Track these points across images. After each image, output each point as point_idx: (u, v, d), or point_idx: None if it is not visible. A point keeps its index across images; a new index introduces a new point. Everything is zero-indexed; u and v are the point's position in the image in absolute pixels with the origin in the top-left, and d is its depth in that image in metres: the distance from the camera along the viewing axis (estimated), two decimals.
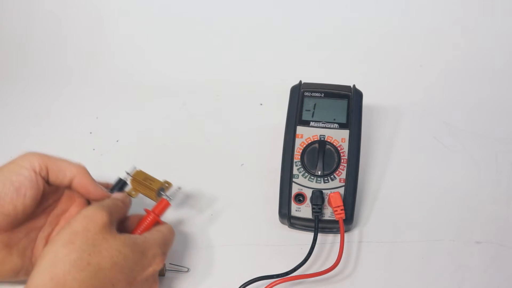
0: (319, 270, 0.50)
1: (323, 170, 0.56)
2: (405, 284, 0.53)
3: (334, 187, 0.56)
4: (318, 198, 0.54)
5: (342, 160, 0.57)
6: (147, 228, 0.50)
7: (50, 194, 0.49)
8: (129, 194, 0.54)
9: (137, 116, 0.76)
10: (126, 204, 0.51)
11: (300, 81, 0.63)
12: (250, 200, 0.61)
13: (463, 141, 0.68)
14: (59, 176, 0.47)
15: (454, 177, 0.63)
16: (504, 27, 0.81)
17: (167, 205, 0.52)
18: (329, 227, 0.56)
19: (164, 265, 0.52)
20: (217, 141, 0.70)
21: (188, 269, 0.54)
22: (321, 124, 0.59)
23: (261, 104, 0.76)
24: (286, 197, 0.56)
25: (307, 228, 0.57)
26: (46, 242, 0.49)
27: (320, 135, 0.58)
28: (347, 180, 0.56)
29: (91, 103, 0.79)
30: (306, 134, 0.58)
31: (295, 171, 0.57)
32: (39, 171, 0.46)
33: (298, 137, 0.59)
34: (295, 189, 0.56)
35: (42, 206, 0.49)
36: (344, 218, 0.53)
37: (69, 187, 0.49)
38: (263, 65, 0.83)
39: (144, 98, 0.79)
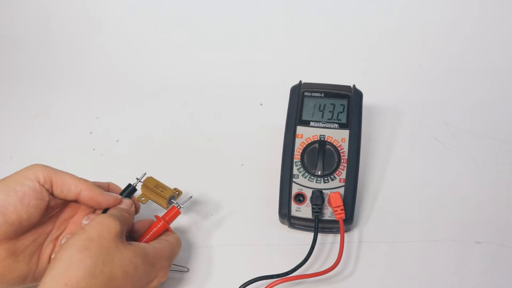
0: (319, 270, 0.50)
1: (323, 170, 0.56)
2: (405, 284, 0.53)
3: (334, 187, 0.56)
4: (318, 198, 0.54)
5: (342, 160, 0.57)
6: (156, 235, 0.50)
7: (57, 205, 0.49)
8: (139, 200, 0.54)
9: (137, 116, 0.76)
10: (131, 214, 0.51)
11: (300, 81, 0.63)
12: (250, 200, 0.61)
13: (463, 141, 0.68)
14: (64, 190, 0.47)
15: (454, 177, 0.63)
16: (504, 27, 0.81)
17: (177, 213, 0.52)
18: (329, 227, 0.56)
19: None
20: (217, 141, 0.70)
21: (188, 269, 0.54)
22: (321, 124, 0.59)
23: (261, 104, 0.76)
24: (286, 197, 0.56)
25: (307, 228, 0.57)
26: (54, 246, 0.49)
27: (320, 135, 0.58)
28: (347, 180, 0.56)
29: (91, 103, 0.79)
30: (306, 134, 0.58)
31: (295, 171, 0.57)
32: (43, 183, 0.46)
33: (298, 137, 0.59)
34: (295, 189, 0.56)
35: (49, 214, 0.49)
36: (344, 218, 0.53)
37: (75, 200, 0.49)
38: (263, 65, 0.83)
39: (144, 98, 0.79)
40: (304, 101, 0.61)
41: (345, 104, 0.60)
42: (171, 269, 0.53)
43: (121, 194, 0.52)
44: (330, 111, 0.60)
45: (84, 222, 0.47)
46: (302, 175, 0.57)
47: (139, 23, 0.89)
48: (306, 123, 0.59)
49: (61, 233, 0.50)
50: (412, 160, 0.66)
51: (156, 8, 0.89)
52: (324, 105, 0.60)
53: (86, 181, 0.48)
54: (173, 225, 0.53)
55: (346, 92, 0.60)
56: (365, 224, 0.58)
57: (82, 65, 0.86)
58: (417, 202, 0.61)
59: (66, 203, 0.51)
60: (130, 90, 0.81)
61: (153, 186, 0.54)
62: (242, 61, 0.83)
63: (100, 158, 0.69)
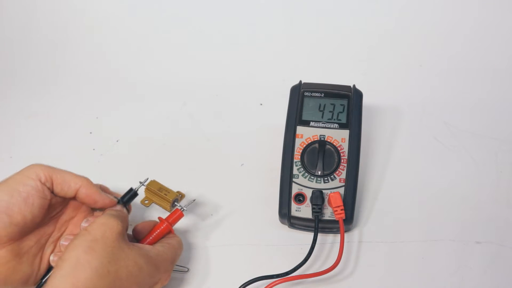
0: (319, 270, 0.50)
1: (323, 170, 0.56)
2: (405, 284, 0.53)
3: (334, 187, 0.56)
4: (318, 198, 0.54)
5: (342, 160, 0.57)
6: (159, 237, 0.51)
7: (58, 203, 0.50)
8: (142, 204, 0.54)
9: (137, 116, 0.76)
10: (126, 215, 0.51)
11: (300, 81, 0.63)
12: (250, 200, 0.61)
13: (463, 141, 0.68)
14: (64, 187, 0.47)
15: (454, 177, 0.63)
16: (504, 27, 0.81)
17: (181, 215, 0.52)
18: (329, 227, 0.56)
19: None
20: (217, 141, 0.70)
21: (188, 269, 0.54)
22: (321, 124, 0.59)
23: (261, 104, 0.76)
24: (286, 197, 0.56)
25: (307, 228, 0.57)
26: (54, 247, 0.49)
27: (320, 135, 0.58)
28: (347, 180, 0.56)
29: (91, 103, 0.79)
30: (306, 134, 0.58)
31: (295, 171, 0.57)
32: (44, 181, 0.46)
33: (298, 137, 0.59)
34: (295, 189, 0.56)
35: (50, 214, 0.49)
36: (344, 218, 0.53)
37: (74, 198, 0.49)
38: (263, 65, 0.83)
39: (144, 98, 0.79)
40: (304, 101, 0.61)
41: (345, 104, 0.60)
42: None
43: (122, 198, 0.52)
44: (330, 111, 0.60)
45: (84, 224, 0.48)
46: (302, 175, 0.57)
47: (139, 23, 0.89)
48: (306, 123, 0.59)
49: (61, 234, 0.50)
50: (412, 160, 0.66)
51: (156, 8, 0.89)
52: (324, 105, 0.60)
53: (85, 178, 0.49)
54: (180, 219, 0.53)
55: (346, 92, 0.60)
56: (365, 224, 0.58)
57: (82, 65, 0.86)
58: (417, 202, 0.61)
59: (66, 203, 0.51)
60: (130, 90, 0.81)
61: (156, 190, 0.54)
62: (242, 61, 0.83)
63: (100, 158, 0.69)
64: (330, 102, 0.60)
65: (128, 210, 0.53)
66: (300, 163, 0.57)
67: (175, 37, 0.87)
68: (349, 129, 0.58)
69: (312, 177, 0.56)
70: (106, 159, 0.69)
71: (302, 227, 0.57)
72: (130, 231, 0.52)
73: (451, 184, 0.62)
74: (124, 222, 0.47)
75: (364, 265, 0.54)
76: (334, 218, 0.54)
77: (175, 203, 0.54)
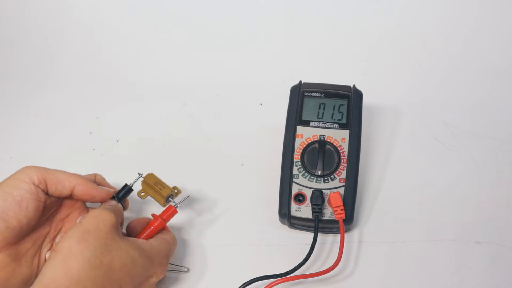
0: (319, 270, 0.50)
1: (323, 170, 0.56)
2: (405, 284, 0.53)
3: (334, 187, 0.56)
4: (318, 198, 0.54)
5: (342, 160, 0.57)
6: (153, 233, 0.51)
7: (52, 204, 0.50)
8: (139, 196, 0.55)
9: (137, 116, 0.76)
10: (121, 209, 0.51)
11: (300, 81, 0.63)
12: (250, 200, 0.61)
13: (463, 141, 0.68)
14: (58, 187, 0.47)
15: (454, 177, 0.63)
16: (504, 27, 0.81)
17: (174, 212, 0.53)
18: (329, 227, 0.56)
19: None
20: (217, 141, 0.70)
21: (188, 269, 0.54)
22: (321, 124, 0.59)
23: (261, 104, 0.76)
24: (286, 197, 0.56)
25: (307, 228, 0.57)
26: (51, 245, 0.49)
27: (320, 135, 0.58)
28: (347, 180, 0.56)
29: (91, 103, 0.79)
30: (306, 134, 0.58)
31: (295, 171, 0.57)
32: (38, 184, 0.46)
33: (298, 137, 0.59)
34: (295, 189, 0.56)
35: (46, 215, 0.49)
36: (344, 218, 0.53)
37: (69, 196, 0.49)
38: (263, 65, 0.82)
39: (144, 98, 0.79)
40: (304, 101, 0.61)
41: (345, 104, 0.60)
42: (172, 269, 0.53)
43: (117, 193, 0.52)
44: (330, 111, 0.60)
45: (78, 221, 0.47)
46: (302, 175, 0.57)
47: (139, 23, 0.89)
48: (306, 123, 0.59)
49: (57, 233, 0.50)
50: (412, 160, 0.66)
51: (156, 8, 0.89)
52: (324, 105, 0.60)
53: (79, 175, 0.49)
54: (173, 224, 0.53)
55: (346, 92, 0.60)
56: (365, 224, 0.58)
57: (82, 65, 0.85)
58: (417, 202, 0.61)
59: (61, 202, 0.51)
60: (130, 90, 0.81)
61: (152, 183, 0.54)
62: (242, 61, 0.83)
63: (100, 158, 0.69)
64: (330, 102, 0.60)
65: (124, 206, 0.53)
66: (300, 163, 0.57)
67: (175, 37, 0.87)
68: (349, 129, 0.58)
69: (312, 177, 0.56)
70: (106, 159, 0.69)
71: (302, 227, 0.57)
72: (124, 229, 0.53)
73: (451, 184, 0.62)
74: (118, 216, 0.47)
75: (364, 265, 0.54)
76: (334, 218, 0.54)
77: (170, 199, 0.54)
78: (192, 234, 0.58)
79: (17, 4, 0.91)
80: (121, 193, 0.53)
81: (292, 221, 0.56)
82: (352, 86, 0.61)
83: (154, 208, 0.59)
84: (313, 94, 0.61)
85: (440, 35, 0.82)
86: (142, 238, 0.50)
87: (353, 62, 0.82)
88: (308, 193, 0.56)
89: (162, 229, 0.52)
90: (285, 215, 0.56)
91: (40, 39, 0.89)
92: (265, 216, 0.59)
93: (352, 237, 0.57)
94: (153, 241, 0.48)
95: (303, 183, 0.56)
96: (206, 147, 0.70)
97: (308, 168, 0.57)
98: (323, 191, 0.55)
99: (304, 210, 0.56)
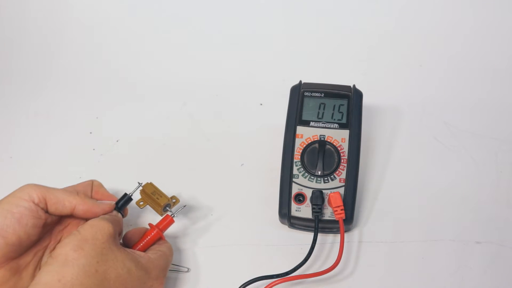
0: (319, 270, 0.50)
1: (323, 170, 0.56)
2: (405, 284, 0.53)
3: (334, 187, 0.56)
4: (318, 198, 0.54)
5: (342, 160, 0.57)
6: (150, 243, 0.51)
7: (53, 220, 0.50)
8: (137, 205, 0.55)
9: (137, 116, 0.76)
10: (121, 219, 0.51)
11: (300, 81, 0.63)
12: (250, 200, 0.61)
13: (463, 141, 0.68)
14: (58, 207, 0.48)
15: (454, 177, 0.63)
16: (504, 27, 0.81)
17: (171, 221, 0.53)
18: (329, 227, 0.56)
19: None
20: (217, 141, 0.70)
21: (188, 269, 0.54)
22: (321, 124, 0.59)
23: (261, 104, 0.76)
24: (286, 197, 0.56)
25: (307, 228, 0.57)
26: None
27: (320, 135, 0.58)
28: (347, 180, 0.56)
29: (91, 103, 0.79)
30: (306, 134, 0.58)
31: (295, 171, 0.57)
32: (37, 202, 0.46)
33: (298, 137, 0.59)
34: (295, 189, 0.56)
35: (45, 229, 0.49)
36: (344, 218, 0.53)
37: (70, 215, 0.49)
38: (263, 65, 0.82)
39: (144, 98, 0.79)
40: (304, 101, 0.61)
41: (345, 104, 0.60)
42: (172, 269, 0.53)
43: (117, 203, 0.52)
44: (330, 111, 0.60)
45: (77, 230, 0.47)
46: (302, 175, 0.57)
47: (139, 23, 0.89)
48: (306, 123, 0.59)
49: (57, 243, 0.50)
50: (412, 160, 0.66)
51: (156, 8, 0.89)
52: (324, 105, 0.60)
53: (78, 195, 0.49)
54: (173, 224, 0.53)
55: (346, 92, 0.60)
56: (365, 224, 0.58)
57: (82, 65, 0.85)
58: (417, 202, 0.61)
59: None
60: (129, 90, 0.81)
61: (150, 193, 0.54)
62: (242, 61, 0.83)
63: (100, 158, 0.69)
64: (330, 102, 0.60)
65: (123, 214, 0.53)
66: (300, 163, 0.57)
67: (175, 37, 0.87)
68: (349, 129, 0.58)
69: (312, 177, 0.56)
70: (106, 159, 0.69)
71: (302, 227, 0.57)
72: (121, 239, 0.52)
73: (451, 184, 0.62)
74: (117, 226, 0.47)
75: (364, 265, 0.54)
76: (334, 218, 0.54)
77: (167, 208, 0.54)
78: (192, 234, 0.58)
79: (17, 4, 0.91)
80: (121, 203, 0.53)
81: (292, 221, 0.56)
82: (352, 86, 0.61)
83: (152, 216, 0.59)
84: (313, 94, 0.61)
85: (440, 35, 0.82)
86: (139, 248, 0.50)
87: (353, 62, 0.82)
88: (308, 193, 0.56)
89: (159, 238, 0.52)
90: (285, 215, 0.56)
91: (40, 39, 0.89)
92: (265, 216, 0.59)
93: (352, 237, 0.57)
94: (151, 254, 0.48)
95: (303, 183, 0.56)
96: (206, 147, 0.70)
97: (308, 168, 0.57)
98: (323, 191, 0.55)
99: (304, 210, 0.56)
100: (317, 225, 0.53)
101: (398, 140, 0.69)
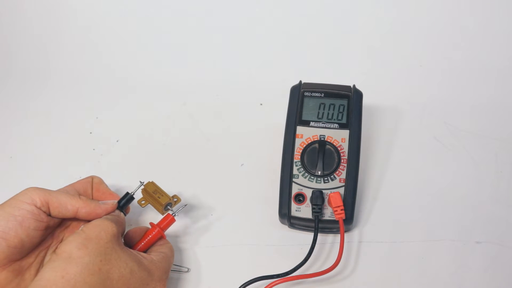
0: (319, 270, 0.50)
1: (323, 170, 0.56)
2: (405, 284, 0.53)
3: (334, 187, 0.56)
4: (318, 198, 0.54)
5: (342, 160, 0.57)
6: (151, 242, 0.51)
7: (56, 223, 0.50)
8: (139, 204, 0.55)
9: (137, 116, 0.76)
10: (123, 219, 0.51)
11: (300, 81, 0.63)
12: (250, 200, 0.61)
13: (463, 141, 0.68)
14: (61, 210, 0.48)
15: (454, 177, 0.63)
16: (504, 27, 0.81)
17: (172, 220, 0.53)
18: (329, 227, 0.56)
19: None
20: (217, 141, 0.70)
21: (188, 269, 0.54)
22: (321, 124, 0.59)
23: (261, 104, 0.76)
24: (286, 197, 0.56)
25: (307, 228, 0.57)
26: None
27: (320, 135, 0.58)
28: (347, 180, 0.56)
29: (91, 103, 0.79)
30: (306, 134, 0.58)
31: (295, 171, 0.57)
32: (40, 206, 0.46)
33: (298, 137, 0.59)
34: (295, 189, 0.56)
35: (48, 231, 0.49)
36: (344, 218, 0.53)
37: (74, 218, 0.49)
38: (263, 65, 0.83)
39: (144, 98, 0.79)
40: (304, 101, 0.61)
41: (345, 104, 0.60)
42: (172, 269, 0.53)
43: (119, 202, 0.52)
44: (330, 111, 0.60)
45: (81, 229, 0.47)
46: (302, 175, 0.57)
47: (139, 23, 0.89)
48: (306, 123, 0.59)
49: (59, 243, 0.50)
50: (412, 160, 0.66)
51: (156, 8, 0.89)
52: (324, 105, 0.60)
53: (80, 198, 0.49)
54: (173, 224, 0.53)
55: (346, 92, 0.60)
56: (365, 224, 0.58)
57: (82, 65, 0.86)
58: (417, 202, 0.61)
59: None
60: (129, 90, 0.81)
61: (151, 192, 0.54)
62: (242, 61, 0.83)
63: (100, 158, 0.69)
64: (330, 102, 0.60)
65: (125, 213, 0.53)
66: (300, 163, 0.57)
67: (175, 37, 0.87)
68: (349, 129, 0.58)
69: (312, 177, 0.56)
70: (106, 159, 0.69)
71: (302, 227, 0.57)
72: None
73: (451, 184, 0.62)
74: (120, 226, 0.48)
75: (364, 265, 0.54)
76: (334, 218, 0.54)
77: (168, 207, 0.54)
78: (192, 234, 0.58)
79: (17, 4, 0.91)
80: (123, 202, 0.53)
81: (292, 221, 0.56)
82: (352, 86, 0.61)
83: (154, 215, 0.59)
84: (313, 94, 0.61)
85: (440, 35, 0.82)
86: (141, 247, 0.50)
87: (353, 62, 0.82)
88: (308, 193, 0.56)
89: (160, 238, 0.52)
90: (285, 215, 0.56)
91: (41, 38, 0.89)
92: (265, 216, 0.59)
93: (352, 237, 0.57)
94: (153, 256, 0.49)
95: (303, 183, 0.56)
96: (206, 147, 0.70)
97: (308, 168, 0.57)
98: (323, 191, 0.55)
99: (304, 210, 0.56)
100: (317, 225, 0.53)
101: (398, 140, 0.69)
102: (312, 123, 0.59)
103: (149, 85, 0.81)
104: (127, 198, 0.53)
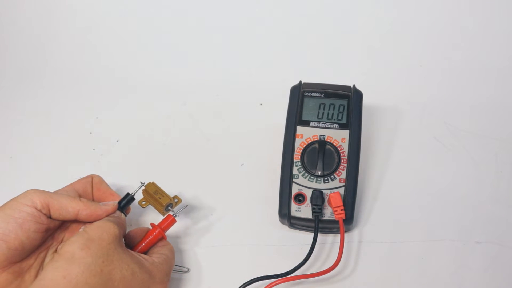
0: (319, 270, 0.50)
1: (323, 170, 0.56)
2: (405, 284, 0.53)
3: (334, 187, 0.56)
4: (318, 198, 0.54)
5: (342, 160, 0.57)
6: (152, 243, 0.51)
7: (56, 225, 0.50)
8: (140, 205, 0.55)
9: (137, 116, 0.76)
10: (124, 220, 0.51)
11: (300, 81, 0.63)
12: (250, 200, 0.61)
13: (463, 141, 0.68)
14: (62, 213, 0.48)
15: (454, 177, 0.63)
16: (504, 27, 0.81)
17: (173, 221, 0.53)
18: (329, 227, 0.56)
19: None
20: (217, 141, 0.70)
21: (188, 269, 0.54)
22: (321, 124, 0.59)
23: (261, 104, 0.76)
24: (286, 197, 0.56)
25: (307, 228, 0.57)
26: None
27: (320, 135, 0.58)
28: (347, 180, 0.56)
29: (91, 103, 0.79)
30: (306, 134, 0.58)
31: (295, 171, 0.57)
32: (40, 208, 0.46)
33: (298, 137, 0.59)
34: (295, 189, 0.56)
35: (48, 233, 0.49)
36: (344, 218, 0.53)
37: (74, 220, 0.49)
38: (263, 65, 0.82)
39: (144, 98, 0.79)
40: (304, 101, 0.61)
41: (345, 104, 0.60)
42: (173, 269, 0.53)
43: (119, 202, 0.52)
44: (330, 111, 0.60)
45: (82, 229, 0.47)
46: (302, 175, 0.57)
47: (139, 23, 0.89)
48: (306, 123, 0.59)
49: (59, 243, 0.50)
50: (412, 160, 0.66)
51: (156, 8, 0.89)
52: (324, 105, 0.60)
53: (81, 200, 0.49)
54: (174, 224, 0.53)
55: (346, 92, 0.60)
56: (365, 224, 0.58)
57: (82, 65, 0.85)
58: (417, 202, 0.61)
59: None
60: (129, 90, 0.81)
61: (152, 192, 0.54)
62: (242, 61, 0.83)
63: (100, 158, 0.69)
64: (330, 102, 0.60)
65: (126, 214, 0.53)
66: (300, 163, 0.57)
67: (175, 37, 0.87)
68: (349, 129, 0.58)
69: (312, 177, 0.56)
70: (106, 159, 0.69)
71: (302, 227, 0.57)
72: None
73: (451, 184, 0.62)
74: (121, 228, 0.48)
75: (364, 265, 0.54)
76: (334, 218, 0.54)
77: (169, 207, 0.54)
78: (192, 234, 0.58)
79: (17, 5, 0.91)
80: (123, 202, 0.53)
81: (292, 221, 0.56)
82: (352, 86, 0.61)
83: (154, 216, 0.59)
84: (313, 94, 0.61)
85: (440, 35, 0.82)
86: (141, 248, 0.50)
87: (353, 62, 0.82)
88: (308, 193, 0.56)
89: (161, 238, 0.52)
90: (285, 215, 0.56)
91: (40, 38, 0.89)
92: (265, 216, 0.59)
93: (352, 237, 0.57)
94: (155, 257, 0.49)
95: (303, 183, 0.56)
96: (206, 147, 0.70)
97: (308, 168, 0.57)
98: (323, 191, 0.55)
99: (304, 210, 0.56)
100: (317, 225, 0.53)
101: (398, 140, 0.69)
102: (312, 123, 0.59)
103: (149, 85, 0.81)
104: (128, 199, 0.53)
